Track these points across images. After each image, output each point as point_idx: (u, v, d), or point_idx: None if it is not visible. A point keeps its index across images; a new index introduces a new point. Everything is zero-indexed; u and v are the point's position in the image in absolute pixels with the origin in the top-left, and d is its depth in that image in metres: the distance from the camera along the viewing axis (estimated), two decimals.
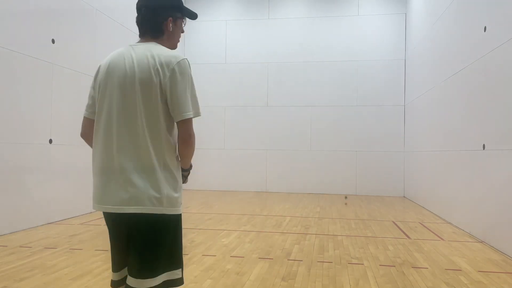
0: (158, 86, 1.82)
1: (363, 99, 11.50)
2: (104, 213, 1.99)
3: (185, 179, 2.08)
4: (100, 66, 2.08)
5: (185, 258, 4.43)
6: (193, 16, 2.13)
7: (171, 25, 2.02)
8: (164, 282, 1.86)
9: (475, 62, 5.98)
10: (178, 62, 1.85)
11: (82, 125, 2.15)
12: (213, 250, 4.87)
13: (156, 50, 1.89)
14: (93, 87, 2.13)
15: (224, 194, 11.06)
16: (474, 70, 6.01)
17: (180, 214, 1.96)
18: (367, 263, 4.40)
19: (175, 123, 1.89)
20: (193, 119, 1.88)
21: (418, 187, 9.66)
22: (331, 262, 4.42)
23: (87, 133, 2.13)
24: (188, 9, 2.11)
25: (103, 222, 6.60)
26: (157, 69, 1.82)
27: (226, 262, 4.34)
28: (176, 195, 1.90)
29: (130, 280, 1.86)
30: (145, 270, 1.83)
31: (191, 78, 1.89)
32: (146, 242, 1.86)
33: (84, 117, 2.12)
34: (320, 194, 11.19)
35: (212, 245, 5.10)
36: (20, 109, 5.85)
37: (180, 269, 1.94)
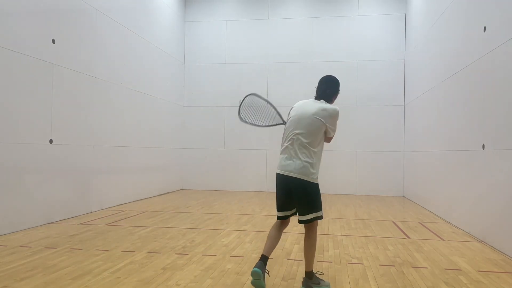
0: None
1: (363, 99, 11.50)
2: None
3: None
4: None
5: (185, 258, 4.44)
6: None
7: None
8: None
9: (475, 62, 5.99)
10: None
11: None
12: (213, 250, 4.88)
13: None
14: None
15: (224, 194, 11.07)
16: (474, 70, 6.02)
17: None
18: (367, 263, 4.40)
19: None
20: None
21: (418, 187, 9.66)
22: (331, 262, 4.43)
23: None
24: None
25: (103, 222, 6.63)
26: None
27: (226, 262, 4.34)
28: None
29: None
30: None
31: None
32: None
33: None
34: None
35: (212, 245, 5.10)
36: (20, 109, 5.85)
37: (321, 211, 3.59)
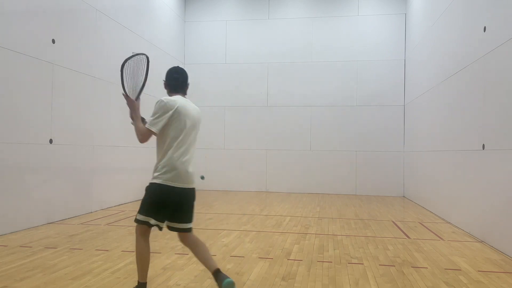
0: None
1: (363, 99, 11.50)
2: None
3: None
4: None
5: (185, 258, 4.44)
6: None
7: None
8: None
9: (475, 62, 5.99)
10: None
11: None
12: (213, 249, 4.87)
13: None
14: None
15: (224, 194, 11.07)
16: (474, 70, 6.02)
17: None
18: (367, 263, 4.40)
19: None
20: None
21: (418, 187, 9.66)
22: (331, 262, 4.42)
23: None
24: None
25: (103, 222, 6.63)
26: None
27: (226, 262, 4.34)
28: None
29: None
30: None
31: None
32: None
33: None
34: (320, 194, 11.20)
35: (212, 245, 5.10)
36: (20, 109, 5.85)
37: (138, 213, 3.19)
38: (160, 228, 3.22)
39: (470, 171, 6.08)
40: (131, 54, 3.35)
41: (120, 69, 3.31)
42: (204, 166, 12.06)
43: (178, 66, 3.45)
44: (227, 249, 4.94)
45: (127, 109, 3.33)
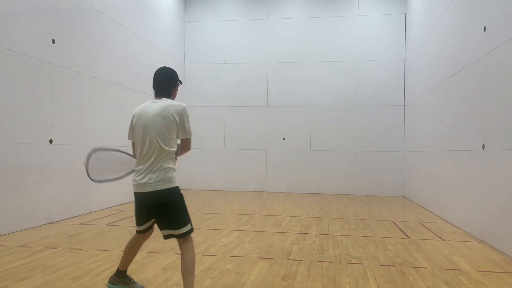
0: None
1: (363, 99, 11.50)
2: None
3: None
4: None
5: None
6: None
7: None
8: None
9: (475, 62, 5.99)
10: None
11: None
12: (213, 250, 4.87)
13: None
14: None
15: (224, 194, 11.07)
16: (474, 70, 6.02)
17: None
18: (367, 263, 4.40)
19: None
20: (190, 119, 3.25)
21: (418, 187, 9.66)
22: (331, 262, 4.42)
23: None
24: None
25: (103, 222, 6.63)
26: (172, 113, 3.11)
27: (226, 262, 4.34)
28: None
29: None
30: None
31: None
32: None
33: None
34: (320, 194, 11.20)
35: (212, 245, 5.10)
36: (20, 109, 5.85)
37: None
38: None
39: (470, 171, 6.08)
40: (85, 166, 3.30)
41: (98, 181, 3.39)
42: (204, 166, 12.06)
43: (160, 67, 3.30)
44: (227, 249, 4.94)
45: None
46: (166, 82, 3.22)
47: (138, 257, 4.48)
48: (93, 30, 7.67)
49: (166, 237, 3.16)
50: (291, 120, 11.77)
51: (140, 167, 3.10)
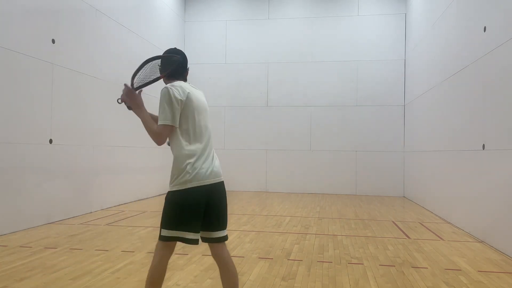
0: None
1: (363, 99, 11.50)
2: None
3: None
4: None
5: (185, 258, 4.44)
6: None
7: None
8: None
9: (475, 62, 5.99)
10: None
11: None
12: None
13: None
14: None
15: None
16: (474, 70, 6.02)
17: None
18: (367, 263, 4.40)
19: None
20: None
21: (418, 187, 9.66)
22: (331, 262, 4.42)
23: None
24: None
25: (103, 222, 6.62)
26: None
27: None
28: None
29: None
30: None
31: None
32: None
33: None
34: (320, 194, 11.20)
35: None
36: (20, 109, 5.85)
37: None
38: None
39: (470, 171, 6.08)
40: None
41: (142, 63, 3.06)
42: None
43: (176, 48, 3.03)
44: None
45: (127, 109, 3.08)
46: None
47: (138, 257, 4.48)
48: (93, 30, 7.67)
49: (217, 240, 2.63)
50: (291, 120, 11.77)
51: (205, 152, 2.70)
